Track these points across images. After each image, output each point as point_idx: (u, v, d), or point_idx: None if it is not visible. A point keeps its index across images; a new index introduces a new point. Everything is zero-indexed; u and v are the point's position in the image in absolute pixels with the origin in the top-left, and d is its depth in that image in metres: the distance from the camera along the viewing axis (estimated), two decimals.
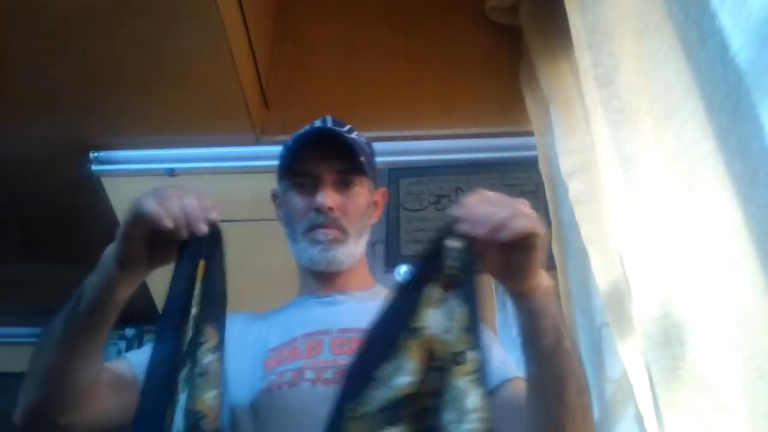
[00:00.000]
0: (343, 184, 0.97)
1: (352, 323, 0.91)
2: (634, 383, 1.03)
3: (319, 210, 0.95)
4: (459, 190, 1.76)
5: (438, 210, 1.72)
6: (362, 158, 0.96)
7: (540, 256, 0.68)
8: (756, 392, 0.63)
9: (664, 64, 0.79)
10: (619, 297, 1.09)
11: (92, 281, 0.75)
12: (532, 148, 1.65)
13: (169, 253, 0.73)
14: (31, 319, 3.45)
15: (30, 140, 1.81)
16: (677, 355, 0.78)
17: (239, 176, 1.83)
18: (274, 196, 1.07)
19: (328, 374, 0.85)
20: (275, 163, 1.79)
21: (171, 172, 1.84)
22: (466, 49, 1.95)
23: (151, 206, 0.69)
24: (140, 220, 0.70)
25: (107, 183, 1.86)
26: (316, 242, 0.96)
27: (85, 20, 1.43)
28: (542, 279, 0.70)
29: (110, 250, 0.74)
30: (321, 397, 0.81)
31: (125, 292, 0.76)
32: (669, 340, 0.80)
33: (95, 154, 1.82)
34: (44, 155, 1.84)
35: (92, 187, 1.86)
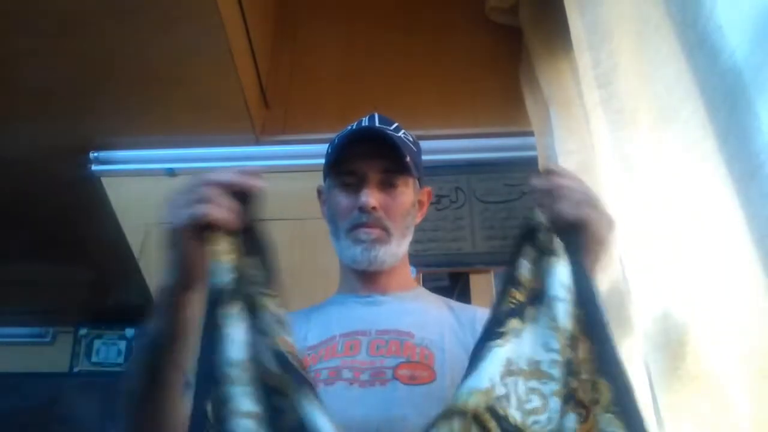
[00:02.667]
0: (388, 184, 0.97)
1: (390, 325, 0.91)
2: (635, 383, 1.03)
3: (362, 209, 0.94)
4: (459, 190, 1.76)
5: (438, 210, 1.72)
6: (408, 158, 0.95)
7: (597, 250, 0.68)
8: (757, 393, 0.63)
9: (664, 65, 0.79)
10: (619, 297, 1.09)
11: (157, 328, 0.71)
12: (532, 148, 1.65)
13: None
14: (31, 319, 3.46)
15: (30, 140, 1.81)
16: (677, 355, 0.78)
17: None
18: (319, 193, 1.07)
19: (365, 376, 0.84)
20: (275, 163, 1.83)
21: (171, 172, 1.84)
22: (466, 49, 1.95)
23: (203, 210, 0.66)
24: (191, 227, 0.66)
25: (107, 183, 1.86)
26: (358, 241, 0.96)
27: (85, 20, 1.43)
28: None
29: (165, 284, 0.70)
30: (356, 399, 0.82)
31: (199, 306, 0.72)
32: (669, 341, 0.80)
33: (95, 154, 1.82)
34: (44, 155, 1.84)
35: (92, 187, 1.86)
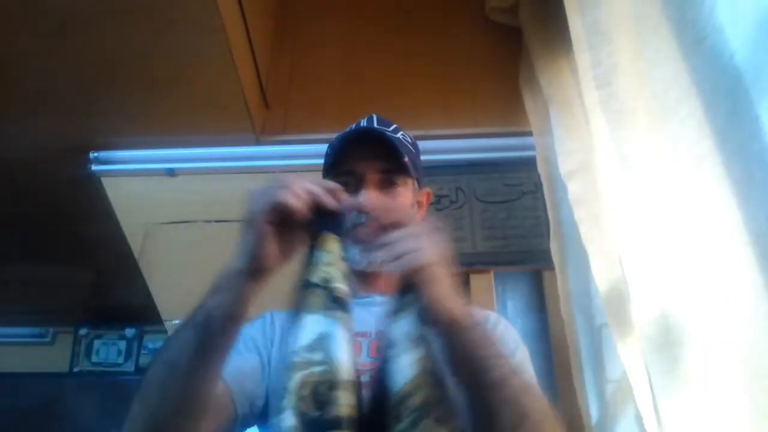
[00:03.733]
0: (387, 184, 0.97)
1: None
2: (634, 383, 1.03)
3: (361, 210, 0.95)
4: (459, 190, 1.76)
5: (438, 210, 1.72)
6: (406, 158, 0.95)
7: (437, 289, 0.69)
8: (756, 393, 0.63)
9: (662, 65, 0.79)
10: (619, 297, 1.09)
11: (215, 304, 0.71)
12: (532, 148, 1.65)
13: (300, 237, 0.74)
14: (31, 319, 3.46)
15: (30, 140, 1.81)
16: (676, 356, 0.78)
17: (239, 176, 1.83)
18: None
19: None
20: (275, 163, 1.83)
21: (171, 172, 1.84)
22: (466, 49, 1.95)
23: (281, 195, 0.70)
24: (269, 213, 0.69)
25: (107, 183, 1.86)
26: (357, 242, 0.97)
27: (85, 20, 1.43)
28: (453, 312, 0.70)
29: (233, 267, 0.72)
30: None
31: (251, 304, 0.74)
32: (668, 341, 0.80)
33: (95, 154, 1.82)
34: (44, 155, 1.84)
35: (92, 187, 1.86)
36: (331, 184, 0.75)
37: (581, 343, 1.34)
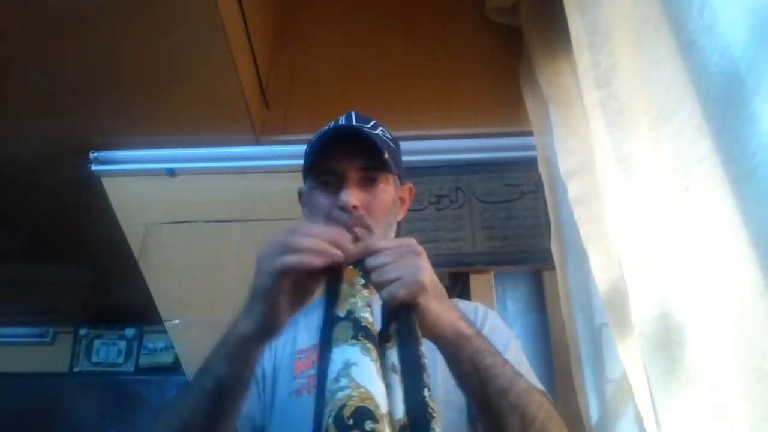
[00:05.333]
0: (368, 182, 0.96)
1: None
2: (634, 383, 1.03)
3: (343, 208, 0.93)
4: (459, 190, 1.76)
5: (438, 210, 1.72)
6: (386, 155, 0.94)
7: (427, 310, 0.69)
8: (755, 394, 0.63)
9: (661, 65, 0.79)
10: (619, 297, 1.09)
11: (227, 372, 0.71)
12: (532, 148, 1.65)
13: (314, 287, 0.73)
14: (31, 319, 3.46)
15: (30, 140, 1.81)
16: (675, 356, 0.78)
17: (239, 176, 1.83)
18: (300, 195, 1.07)
19: None
20: (275, 163, 1.83)
21: (171, 172, 1.84)
22: (466, 49, 1.95)
23: (298, 260, 0.68)
24: (286, 275, 0.68)
25: (107, 183, 1.86)
26: None
27: (85, 20, 1.43)
28: (446, 321, 0.70)
29: (242, 331, 0.71)
30: None
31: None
32: (666, 342, 0.80)
33: (95, 154, 1.82)
34: (44, 155, 1.84)
35: (92, 187, 1.86)
36: (335, 232, 0.73)
37: (581, 343, 1.34)
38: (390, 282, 0.68)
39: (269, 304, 0.69)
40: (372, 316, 0.66)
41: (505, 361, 0.73)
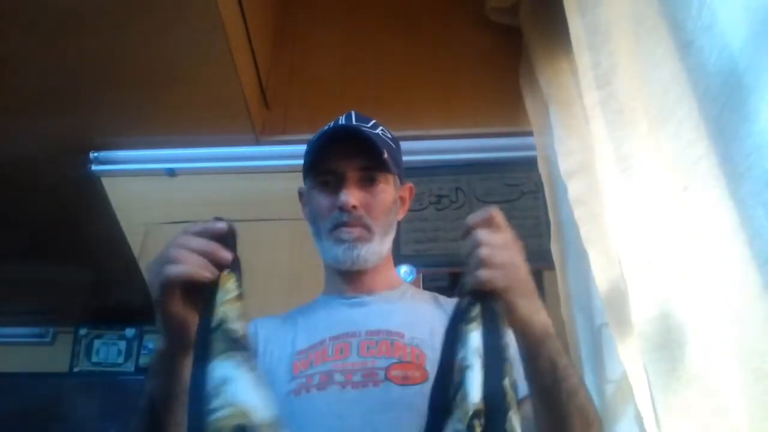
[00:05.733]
0: (368, 181, 0.96)
1: (379, 325, 0.91)
2: (634, 383, 1.03)
3: (342, 208, 0.93)
4: (459, 190, 1.76)
5: (438, 210, 1.72)
6: (386, 154, 0.94)
7: (519, 300, 0.68)
8: (755, 394, 0.63)
9: (660, 65, 0.79)
10: (619, 297, 1.09)
11: (155, 389, 0.72)
12: (532, 148, 1.65)
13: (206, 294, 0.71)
14: (31, 319, 3.46)
15: (30, 140, 1.81)
16: (675, 356, 0.78)
17: (239, 176, 1.83)
18: (300, 195, 1.06)
19: (357, 377, 0.85)
20: (275, 163, 1.83)
21: (171, 172, 1.84)
22: (466, 49, 1.95)
23: (176, 269, 0.66)
24: (172, 287, 0.67)
25: (107, 183, 1.87)
26: (340, 241, 0.95)
27: (85, 20, 1.43)
28: (536, 318, 0.70)
29: (160, 348, 0.71)
30: (350, 400, 0.82)
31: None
32: (666, 342, 0.80)
33: (95, 154, 1.82)
34: (44, 155, 1.84)
35: (92, 187, 1.86)
36: (210, 245, 0.70)
37: (581, 343, 1.34)
38: (494, 266, 0.66)
39: (166, 316, 0.68)
40: (243, 329, 0.64)
41: (574, 365, 0.75)
